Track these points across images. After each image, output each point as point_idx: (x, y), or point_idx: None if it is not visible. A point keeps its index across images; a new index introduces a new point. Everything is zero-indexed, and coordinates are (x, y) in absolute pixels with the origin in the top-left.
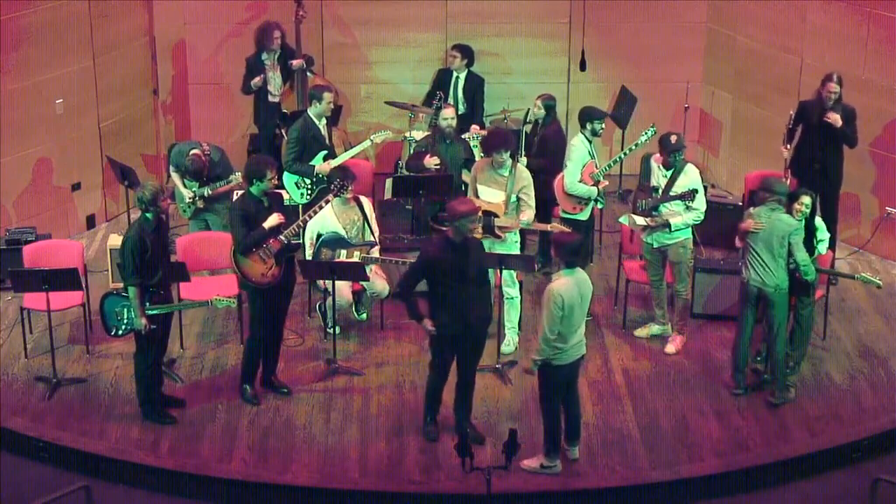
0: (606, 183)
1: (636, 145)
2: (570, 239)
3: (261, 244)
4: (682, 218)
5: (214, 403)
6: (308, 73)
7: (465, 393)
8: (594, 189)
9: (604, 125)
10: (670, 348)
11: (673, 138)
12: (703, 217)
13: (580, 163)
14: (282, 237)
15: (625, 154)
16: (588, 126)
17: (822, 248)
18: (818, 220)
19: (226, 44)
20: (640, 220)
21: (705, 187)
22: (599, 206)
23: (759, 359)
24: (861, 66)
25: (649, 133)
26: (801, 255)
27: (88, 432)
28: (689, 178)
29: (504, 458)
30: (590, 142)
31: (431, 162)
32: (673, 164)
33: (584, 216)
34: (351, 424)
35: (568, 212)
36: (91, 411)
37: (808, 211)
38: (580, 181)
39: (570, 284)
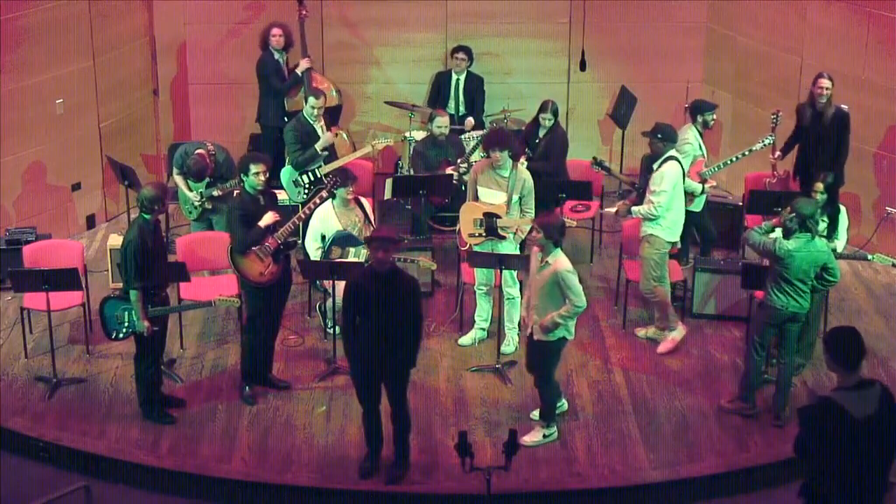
0: (714, 183)
1: (750, 151)
2: (555, 220)
3: (258, 243)
4: (637, 207)
5: (214, 403)
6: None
7: (396, 426)
8: (699, 186)
9: (714, 116)
10: (661, 349)
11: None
12: (655, 214)
13: (689, 157)
14: (277, 235)
15: (736, 158)
16: (699, 118)
17: (839, 245)
18: (843, 213)
19: (226, 44)
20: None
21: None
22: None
23: (766, 376)
24: (861, 66)
25: (766, 141)
26: (837, 270)
27: (88, 432)
28: (659, 172)
29: (504, 458)
30: (700, 134)
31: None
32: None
33: (694, 208)
34: (351, 424)
35: None
36: (91, 411)
37: (824, 196)
38: (687, 176)
39: (567, 259)
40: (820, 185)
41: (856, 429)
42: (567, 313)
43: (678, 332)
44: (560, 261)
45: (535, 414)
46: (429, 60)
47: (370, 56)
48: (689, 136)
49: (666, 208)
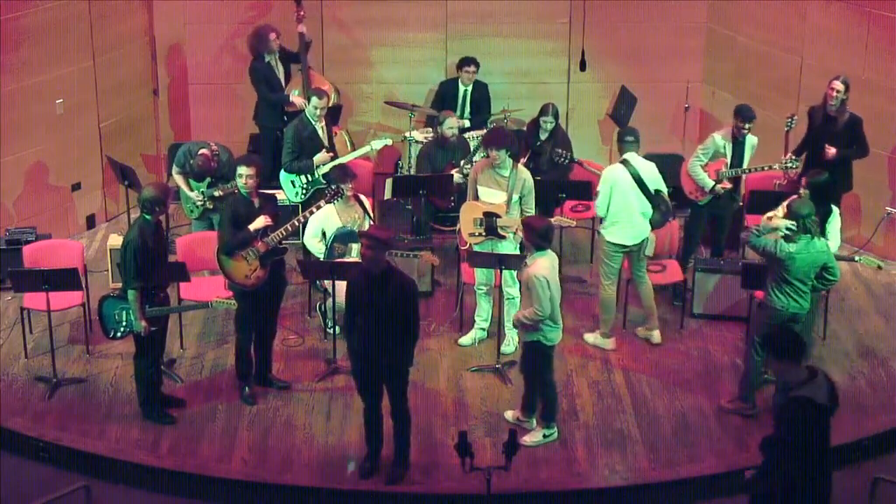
0: (729, 186)
1: (769, 167)
2: (540, 224)
3: (245, 246)
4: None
5: (214, 403)
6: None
7: (396, 425)
8: (709, 182)
9: (749, 126)
10: (588, 337)
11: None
12: (597, 213)
13: (709, 152)
14: (267, 239)
15: (756, 169)
16: (734, 121)
17: (833, 246)
18: (834, 215)
19: (226, 44)
20: None
21: (660, 190)
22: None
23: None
24: (861, 66)
25: (790, 164)
26: (837, 270)
27: (88, 432)
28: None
29: (504, 458)
30: (735, 139)
31: (457, 178)
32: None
33: (701, 202)
34: (351, 425)
35: (685, 192)
36: (91, 411)
37: (807, 192)
38: (705, 171)
39: (547, 266)
40: (803, 180)
41: (823, 415)
42: (531, 316)
43: (609, 344)
44: (536, 264)
45: (509, 414)
46: (429, 60)
47: (370, 56)
48: (716, 135)
49: (604, 209)
